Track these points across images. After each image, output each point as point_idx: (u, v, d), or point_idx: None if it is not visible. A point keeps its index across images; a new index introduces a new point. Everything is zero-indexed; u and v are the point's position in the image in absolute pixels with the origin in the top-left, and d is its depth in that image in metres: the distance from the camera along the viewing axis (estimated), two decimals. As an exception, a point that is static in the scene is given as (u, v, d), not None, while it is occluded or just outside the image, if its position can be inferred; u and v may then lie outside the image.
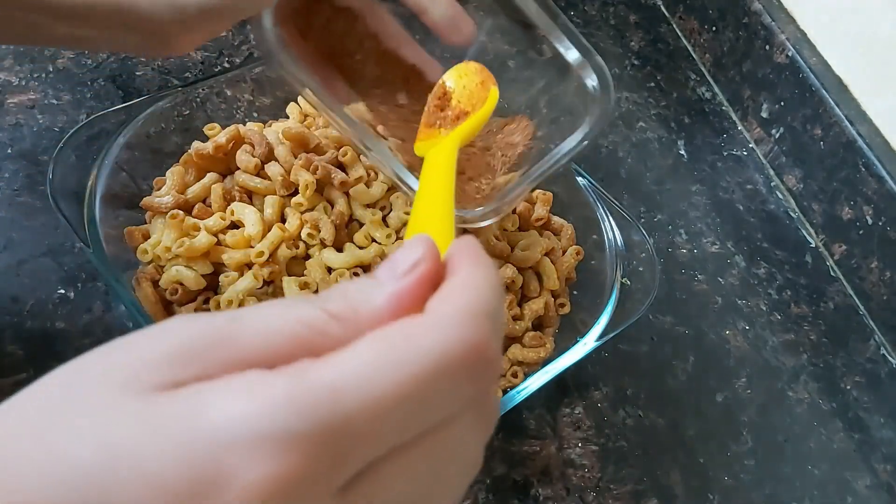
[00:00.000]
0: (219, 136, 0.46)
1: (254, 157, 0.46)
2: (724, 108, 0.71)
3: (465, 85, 0.35)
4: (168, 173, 0.46)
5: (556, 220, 0.50)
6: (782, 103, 0.64)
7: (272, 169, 0.45)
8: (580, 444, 0.46)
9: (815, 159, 0.62)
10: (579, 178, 0.50)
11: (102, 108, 0.48)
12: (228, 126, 0.47)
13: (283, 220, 0.44)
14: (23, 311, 0.43)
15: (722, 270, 0.58)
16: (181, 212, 0.42)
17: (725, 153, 0.67)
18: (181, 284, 0.41)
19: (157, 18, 0.30)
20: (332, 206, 0.45)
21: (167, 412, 0.15)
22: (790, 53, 0.63)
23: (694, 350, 0.53)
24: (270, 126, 0.50)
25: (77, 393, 0.16)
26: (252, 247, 0.42)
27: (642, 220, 0.60)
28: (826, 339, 0.57)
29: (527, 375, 0.44)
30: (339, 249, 0.44)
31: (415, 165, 0.36)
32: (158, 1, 0.30)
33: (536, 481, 0.44)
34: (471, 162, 0.41)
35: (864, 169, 0.57)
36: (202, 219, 0.43)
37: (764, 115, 0.67)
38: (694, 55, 0.74)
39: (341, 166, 0.47)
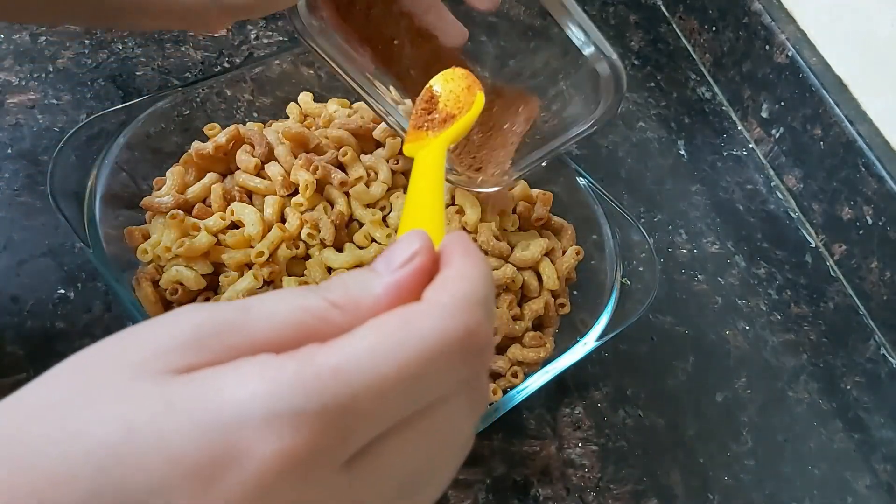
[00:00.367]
0: (219, 136, 0.46)
1: (254, 157, 0.46)
2: (724, 108, 0.71)
3: (452, 89, 0.37)
4: (168, 173, 0.46)
5: (556, 220, 0.50)
6: (782, 103, 0.64)
7: (272, 169, 0.45)
8: (580, 444, 0.46)
9: (815, 159, 0.62)
10: (579, 178, 0.50)
11: (102, 108, 0.48)
12: (228, 126, 0.47)
13: (283, 220, 0.44)
14: (23, 311, 0.43)
15: (722, 270, 0.58)
16: (181, 212, 0.42)
17: (725, 153, 0.67)
18: (181, 284, 0.41)
19: (202, 7, 0.35)
20: (332, 206, 0.45)
21: (184, 394, 0.16)
22: (790, 53, 0.63)
23: (694, 350, 0.53)
24: (270, 126, 0.50)
25: (95, 378, 0.17)
26: (252, 247, 0.42)
27: (642, 220, 0.60)
28: (826, 339, 0.57)
29: (527, 375, 0.44)
30: (339, 249, 0.44)
31: None
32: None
33: (536, 481, 0.44)
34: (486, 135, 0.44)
35: (864, 169, 0.57)
36: (202, 219, 0.43)
37: (764, 115, 0.67)
38: (694, 55, 0.74)
39: (341, 166, 0.47)
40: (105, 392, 0.17)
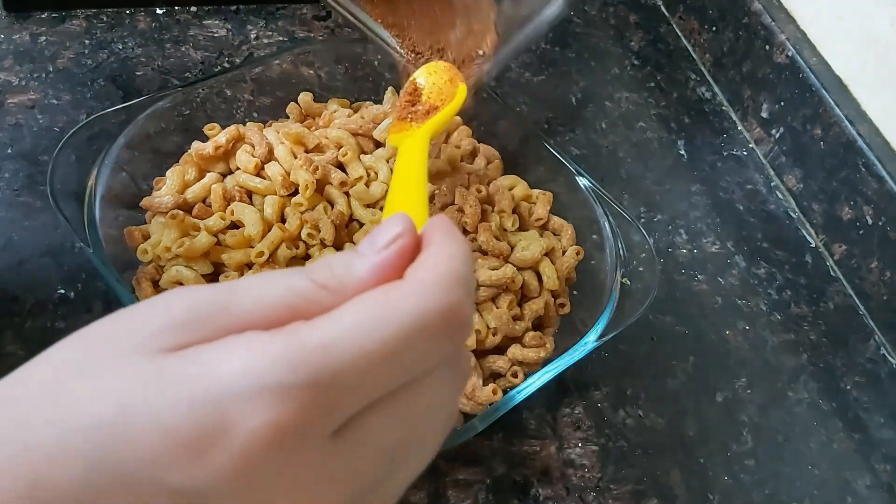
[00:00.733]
0: (219, 136, 0.46)
1: (254, 157, 0.46)
2: (724, 108, 0.71)
3: (435, 82, 0.38)
4: (168, 173, 0.46)
5: (556, 220, 0.50)
6: (782, 103, 0.64)
7: (272, 169, 0.45)
8: (580, 444, 0.46)
9: (815, 159, 0.62)
10: (579, 178, 0.50)
11: (102, 108, 0.48)
12: (228, 126, 0.47)
13: (283, 220, 0.44)
14: (23, 311, 0.43)
15: (722, 270, 0.58)
16: (181, 212, 0.42)
17: (725, 153, 0.67)
18: (181, 284, 0.41)
19: None
20: (332, 206, 0.45)
21: (176, 371, 0.17)
22: (790, 53, 0.63)
23: (694, 350, 0.53)
24: (270, 126, 0.50)
25: (89, 358, 0.18)
26: (252, 247, 0.42)
27: (642, 220, 0.60)
28: (826, 339, 0.57)
29: (527, 375, 0.44)
30: (339, 249, 0.44)
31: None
32: None
33: (536, 481, 0.44)
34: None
35: (864, 169, 0.57)
36: (202, 219, 0.43)
37: (764, 115, 0.67)
38: (694, 55, 0.74)
39: (341, 166, 0.47)
40: (99, 371, 0.17)
